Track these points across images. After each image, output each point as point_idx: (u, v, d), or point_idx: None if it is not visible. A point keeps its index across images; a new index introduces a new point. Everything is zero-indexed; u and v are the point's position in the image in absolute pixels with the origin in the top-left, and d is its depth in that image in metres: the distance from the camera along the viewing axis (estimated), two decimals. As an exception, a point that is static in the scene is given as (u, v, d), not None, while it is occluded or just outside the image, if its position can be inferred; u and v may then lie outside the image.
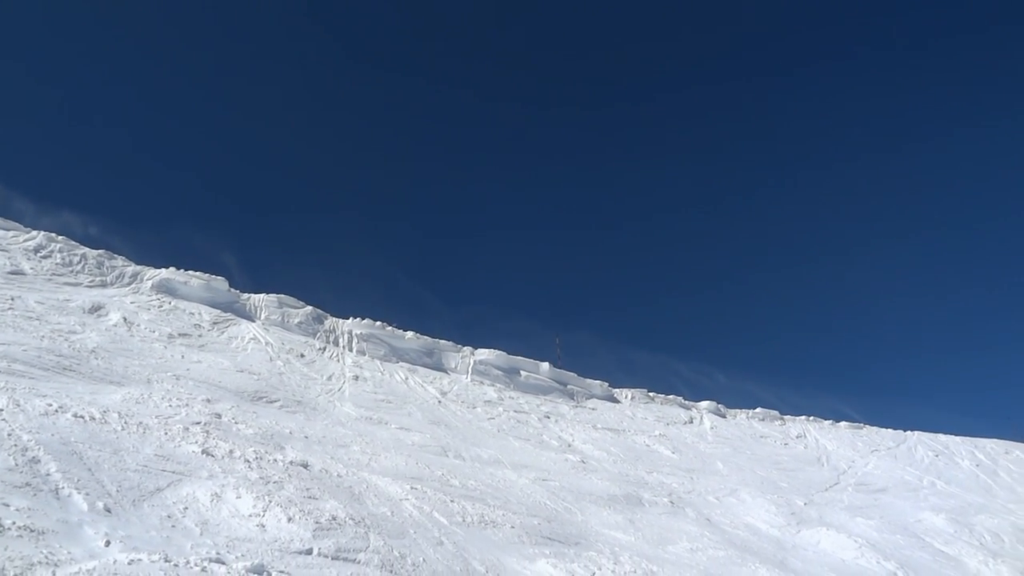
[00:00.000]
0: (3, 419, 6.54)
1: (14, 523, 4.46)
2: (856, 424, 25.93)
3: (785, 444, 22.42)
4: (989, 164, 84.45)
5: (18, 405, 7.16)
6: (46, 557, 4.18)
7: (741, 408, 25.00)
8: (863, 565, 12.48)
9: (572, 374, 22.61)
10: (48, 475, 5.55)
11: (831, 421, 25.83)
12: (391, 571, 6.25)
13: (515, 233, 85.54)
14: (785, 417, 25.36)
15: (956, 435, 26.66)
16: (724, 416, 24.12)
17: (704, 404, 24.30)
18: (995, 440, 27.14)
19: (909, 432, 26.25)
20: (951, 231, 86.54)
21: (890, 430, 26.23)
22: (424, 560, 6.94)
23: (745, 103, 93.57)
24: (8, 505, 4.69)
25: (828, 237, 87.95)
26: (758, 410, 25.03)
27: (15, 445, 5.93)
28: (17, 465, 5.50)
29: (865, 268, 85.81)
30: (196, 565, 4.81)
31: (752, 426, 23.81)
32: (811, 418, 25.77)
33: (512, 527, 9.34)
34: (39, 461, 5.76)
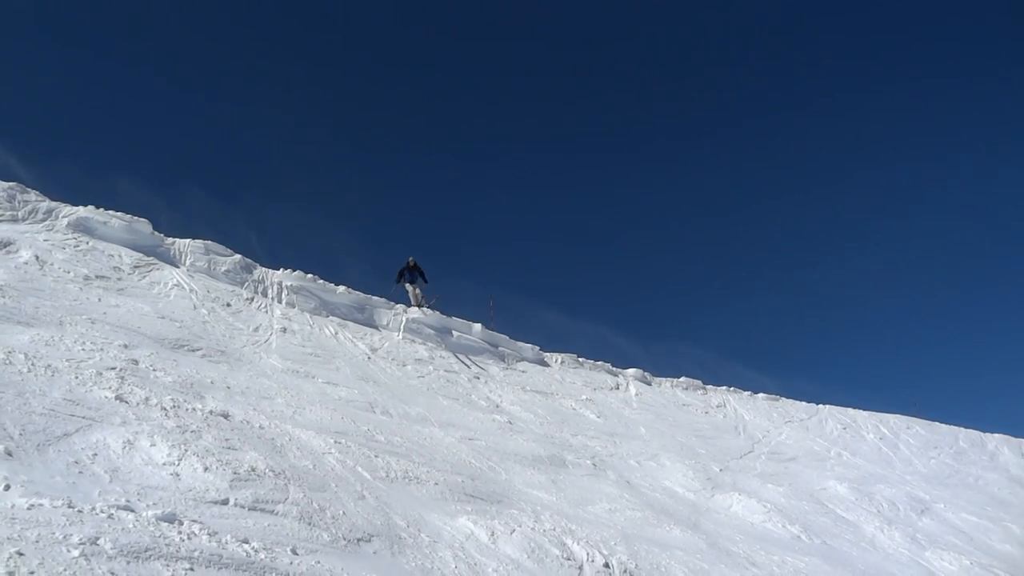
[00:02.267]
0: None
1: (-99, 463, 4.20)
2: (773, 396, 27.08)
3: (706, 413, 23.25)
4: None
5: (-89, 341, 6.71)
6: (-64, 500, 3.97)
7: (666, 376, 25.72)
8: (769, 528, 13.17)
9: (504, 336, 22.73)
10: (-58, 415, 5.25)
11: (750, 392, 26.89)
12: (309, 523, 6.21)
13: (456, 194, 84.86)
14: (707, 387, 26.26)
15: (864, 410, 28.24)
16: (649, 384, 24.78)
17: (631, 371, 24.88)
18: (898, 416, 28.90)
19: (821, 406, 27.62)
20: (871, 218, 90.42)
21: (804, 403, 27.54)
22: (344, 513, 6.92)
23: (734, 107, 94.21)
24: None
25: (761, 223, 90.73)
26: (682, 379, 25.81)
27: (-94, 383, 5.57)
28: (-93, 403, 5.18)
29: (789, 247, 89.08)
30: (102, 512, 4.65)
31: (676, 394, 24.56)
32: (732, 389, 26.77)
33: (436, 484, 9.41)
34: (-67, 400, 5.44)
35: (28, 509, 4.27)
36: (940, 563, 14.27)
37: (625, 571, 8.53)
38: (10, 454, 5.09)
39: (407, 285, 19.67)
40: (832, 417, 26.39)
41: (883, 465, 21.91)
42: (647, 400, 22.63)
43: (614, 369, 24.77)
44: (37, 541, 3.91)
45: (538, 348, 23.54)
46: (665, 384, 25.42)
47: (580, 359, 24.37)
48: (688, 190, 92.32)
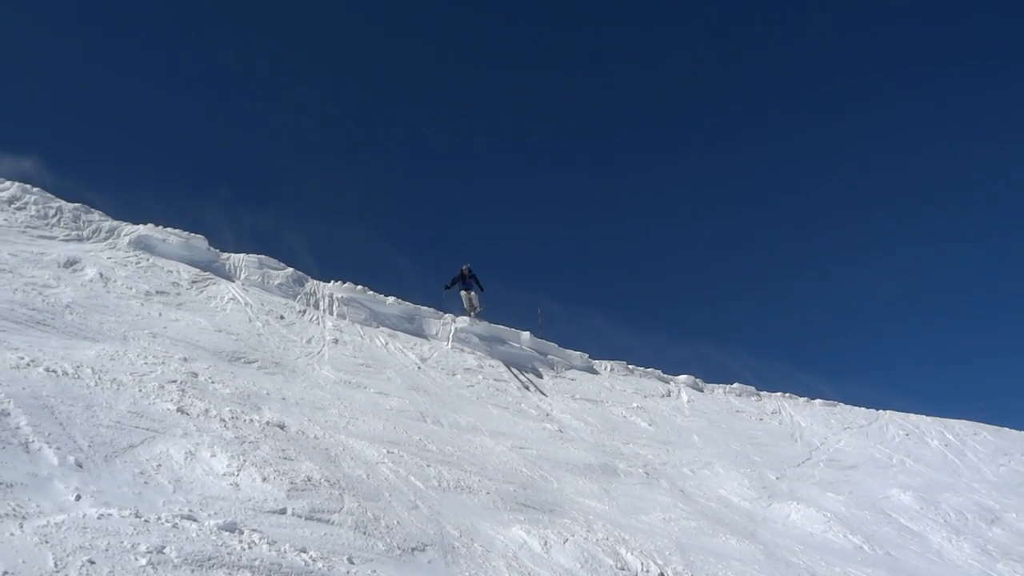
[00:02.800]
0: (-28, 371, 6.45)
1: (-19, 475, 4.42)
2: (830, 402, 26.36)
3: (760, 419, 22.77)
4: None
5: (-12, 357, 7.06)
6: (14, 509, 4.14)
7: (719, 383, 25.28)
8: (830, 538, 12.79)
9: (553, 344, 22.69)
10: (18, 428, 5.49)
11: (806, 398, 26.23)
12: (364, 532, 6.29)
13: (502, 207, 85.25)
14: (761, 393, 25.72)
15: (927, 415, 27.24)
16: (701, 390, 24.39)
17: (682, 378, 24.54)
18: (964, 421, 27.76)
19: (881, 411, 26.75)
20: (930, 219, 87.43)
21: (863, 409, 26.71)
22: (398, 523, 6.99)
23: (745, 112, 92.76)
24: (-25, 457, 4.64)
25: (814, 222, 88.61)
26: (735, 385, 25.34)
27: (-16, 398, 5.85)
28: (-14, 417, 5.44)
29: (845, 256, 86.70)
30: (167, 521, 4.79)
31: (728, 401, 24.12)
32: (787, 395, 26.15)
33: (487, 493, 9.43)
34: (8, 414, 5.68)
35: (98, 519, 4.43)
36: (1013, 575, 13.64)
37: (681, 582, 8.40)
38: (80, 465, 5.29)
39: (461, 292, 19.16)
40: (893, 423, 25.52)
41: (949, 473, 21.08)
42: (699, 407, 22.27)
43: (665, 376, 24.46)
44: (107, 550, 4.06)
45: (587, 356, 23.42)
46: (717, 391, 24.98)
47: (630, 366, 24.15)
48: (739, 188, 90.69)
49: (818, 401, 26.20)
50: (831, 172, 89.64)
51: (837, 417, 24.97)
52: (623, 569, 8.26)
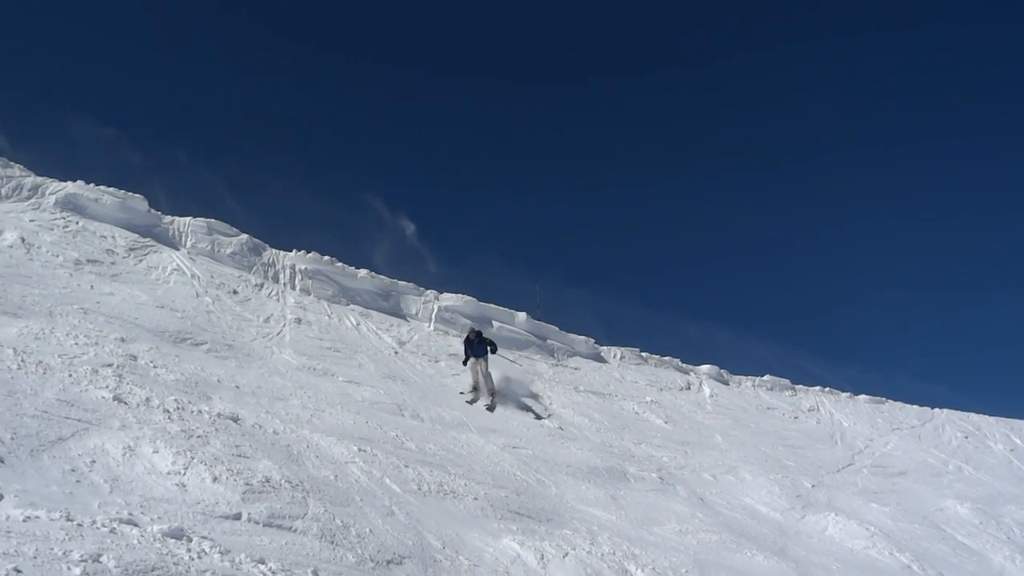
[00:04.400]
0: None
1: None
2: (877, 399, 26.63)
3: (795, 418, 23.01)
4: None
5: None
6: (-74, 510, 4.23)
7: (747, 375, 25.51)
8: (874, 556, 13.02)
9: (553, 327, 22.84)
10: (-72, 417, 5.57)
11: (848, 394, 26.50)
12: (332, 542, 6.41)
13: (492, 165, 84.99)
14: (797, 387, 25.97)
15: (990, 415, 27.53)
16: (727, 383, 24.61)
17: (704, 368, 24.75)
18: (1034, 422, 28.08)
19: (937, 410, 27.04)
20: (982, 204, 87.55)
21: (915, 407, 27.00)
22: (371, 531, 7.12)
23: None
24: None
25: (856, 188, 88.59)
26: (766, 378, 25.58)
27: None
28: None
29: (895, 226, 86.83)
30: (104, 526, 4.89)
31: (758, 396, 24.36)
32: (826, 389, 26.41)
33: (475, 498, 9.58)
34: (-83, 400, 5.77)
35: (24, 521, 4.52)
36: (1084, 600, 13.92)
37: (698, 603, 8.57)
38: (2, 460, 5.38)
39: (470, 361, 16.18)
40: (951, 423, 25.82)
41: (1015, 482, 21.37)
42: (724, 402, 22.50)
43: (684, 366, 24.66)
44: (35, 557, 4.16)
45: (593, 341, 23.59)
46: (745, 383, 25.20)
47: (643, 354, 24.33)
48: (765, 165, 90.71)
49: (863, 397, 26.48)
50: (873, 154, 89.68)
51: (885, 416, 25.25)
52: (632, 588, 8.43)
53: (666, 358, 24.59)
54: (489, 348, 16.09)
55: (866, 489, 17.35)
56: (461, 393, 15.52)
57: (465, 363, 16.28)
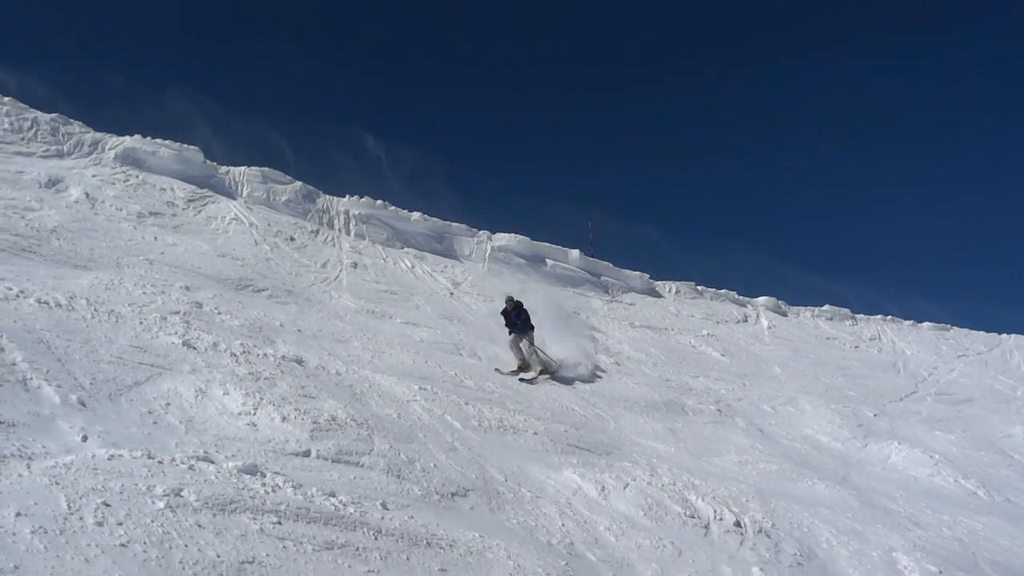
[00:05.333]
0: (-42, 304, 6.83)
1: (-20, 414, 4.76)
2: (942, 326, 26.07)
3: (855, 347, 22.68)
4: None
5: (-27, 289, 7.44)
6: (19, 450, 4.47)
7: (805, 306, 25.15)
8: (938, 483, 12.89)
9: (607, 263, 22.78)
10: (14, 365, 5.84)
11: (912, 322, 25.99)
12: (398, 476, 6.60)
13: (540, 100, 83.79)
14: (857, 316, 25.54)
15: (1061, 340, 26.77)
16: (785, 314, 24.31)
17: (761, 300, 24.48)
18: (1107, 346, 27.21)
19: (1005, 335, 26.36)
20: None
21: (982, 333, 26.37)
22: (435, 466, 7.30)
23: None
24: (-28, 396, 4.99)
25: (914, 118, 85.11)
26: (825, 308, 25.20)
27: (-27, 332, 6.22)
28: (-22, 354, 5.80)
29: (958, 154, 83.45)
30: (182, 463, 5.12)
31: (817, 326, 24.03)
32: (889, 318, 25.93)
33: (535, 434, 9.73)
34: (2, 350, 6.05)
35: (109, 460, 4.76)
36: None
37: (760, 531, 8.63)
38: (83, 404, 5.64)
39: (511, 338, 13.89)
40: (1019, 349, 25.15)
41: (1085, 407, 20.83)
42: (782, 334, 22.26)
43: (741, 298, 24.41)
44: (121, 492, 4.39)
45: (648, 276, 23.47)
46: (804, 314, 24.87)
47: (699, 288, 24.13)
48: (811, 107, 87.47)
49: (926, 324, 25.93)
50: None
51: (950, 343, 24.71)
52: (693, 517, 8.51)
53: (722, 291, 24.36)
54: (525, 325, 13.82)
55: (930, 417, 17.10)
56: (498, 371, 12.88)
57: (511, 332, 13.87)
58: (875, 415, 16.28)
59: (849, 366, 20.44)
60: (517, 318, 13.84)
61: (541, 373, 13.13)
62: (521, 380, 12.59)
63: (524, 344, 13.55)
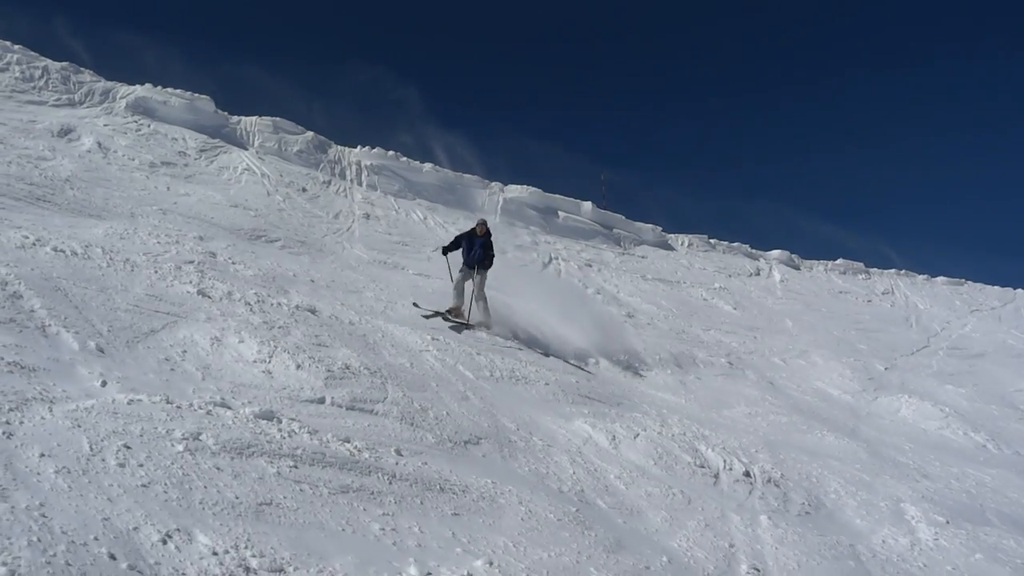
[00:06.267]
0: (-24, 251, 6.90)
1: (2, 359, 4.83)
2: (956, 280, 25.94)
3: (868, 301, 22.64)
4: None
5: (-10, 237, 7.51)
6: (40, 394, 4.55)
7: (819, 259, 25.05)
8: (947, 436, 12.97)
9: (619, 216, 22.70)
10: (32, 311, 5.92)
11: (925, 276, 25.88)
12: (411, 424, 6.68)
13: (551, 47, 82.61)
14: (871, 270, 25.43)
15: (1076, 295, 26.61)
16: (798, 268, 24.24)
17: (774, 254, 24.40)
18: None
19: (1020, 290, 26.24)
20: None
21: (996, 288, 26.24)
22: (448, 414, 7.38)
23: None
24: (-7, 341, 5.07)
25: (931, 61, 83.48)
26: (839, 261, 25.10)
27: (-7, 279, 6.29)
28: (-3, 300, 5.87)
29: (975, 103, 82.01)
30: (200, 408, 5.20)
31: (830, 280, 23.96)
32: (902, 272, 25.81)
33: (546, 384, 9.81)
34: (21, 297, 6.12)
35: (128, 404, 4.84)
36: None
37: (769, 480, 8.73)
38: (102, 350, 5.72)
39: (460, 273, 11.79)
40: (1033, 304, 25.06)
41: (1098, 363, 20.79)
42: (795, 287, 22.22)
43: (753, 252, 24.33)
44: (141, 435, 4.47)
45: (660, 229, 23.38)
46: (817, 268, 24.78)
47: (711, 240, 24.05)
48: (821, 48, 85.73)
49: (941, 279, 25.80)
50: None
51: (963, 297, 24.61)
52: (702, 467, 8.61)
53: (735, 244, 24.28)
54: (487, 257, 11.71)
55: (941, 371, 17.13)
56: (415, 305, 11.37)
57: (448, 251, 11.87)
58: (886, 369, 16.32)
59: (861, 320, 20.44)
60: (480, 248, 11.51)
61: (479, 324, 11.24)
62: (446, 320, 10.92)
63: (475, 282, 11.42)
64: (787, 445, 10.32)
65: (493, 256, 11.75)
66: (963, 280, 26.09)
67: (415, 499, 5.20)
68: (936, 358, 18.23)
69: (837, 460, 10.23)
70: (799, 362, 15.48)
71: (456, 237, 12.02)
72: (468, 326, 10.92)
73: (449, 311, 11.35)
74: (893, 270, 25.73)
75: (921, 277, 25.75)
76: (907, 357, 17.85)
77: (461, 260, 11.75)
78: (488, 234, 11.77)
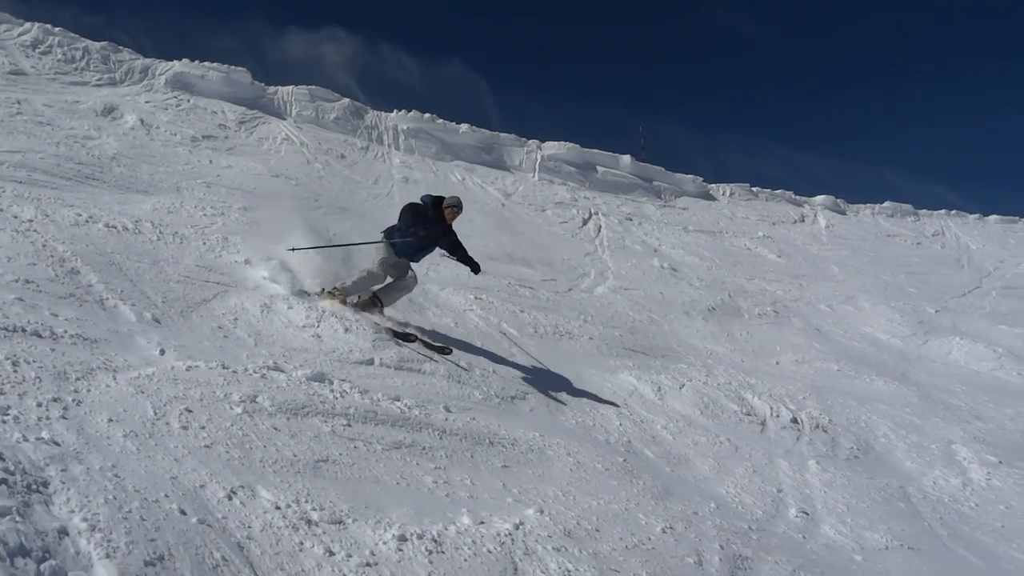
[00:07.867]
0: (35, 230, 7.13)
1: (66, 332, 5.04)
2: (1010, 218, 25.27)
3: (918, 244, 22.20)
4: None
5: (47, 215, 7.75)
6: (104, 363, 4.76)
7: (866, 203, 24.59)
8: (1001, 377, 12.78)
9: (659, 168, 22.49)
10: (90, 286, 6.14)
11: (977, 215, 25.23)
12: (459, 381, 6.83)
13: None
14: (920, 212, 24.89)
15: None
16: (844, 213, 23.83)
17: (819, 199, 24.01)
18: None
19: (1078, 226, 25.49)
20: None
21: (1053, 224, 25.53)
22: (494, 371, 7.52)
23: None
24: (57, 315, 5.28)
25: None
26: (886, 204, 24.61)
27: (51, 256, 6.51)
28: (58, 276, 6.09)
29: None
30: (255, 372, 5.39)
31: (878, 224, 23.53)
32: (953, 212, 25.22)
33: (590, 338, 9.91)
34: (79, 272, 6.35)
35: (187, 371, 5.04)
36: None
37: (817, 426, 8.75)
38: (158, 321, 5.93)
39: (395, 256, 8.17)
40: (1092, 240, 24.32)
41: None
42: (840, 232, 21.87)
43: (797, 198, 23.95)
44: (201, 399, 4.66)
45: (701, 180, 23.13)
46: (864, 212, 24.32)
47: (754, 189, 23.73)
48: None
49: (993, 217, 25.15)
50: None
51: (1018, 236, 23.98)
52: (749, 415, 8.66)
53: (778, 191, 23.92)
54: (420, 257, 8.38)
55: (994, 311, 16.79)
56: (305, 292, 7.80)
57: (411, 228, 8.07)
58: (936, 311, 16.05)
59: (910, 263, 20.07)
60: (441, 235, 8.34)
61: (408, 340, 7.42)
62: (353, 305, 7.70)
63: (406, 278, 8.26)
64: (835, 391, 10.30)
65: (476, 263, 8.50)
66: (1017, 218, 25.40)
67: (465, 453, 5.35)
68: (989, 298, 17.85)
69: (886, 404, 10.18)
70: (846, 308, 15.31)
71: (413, 213, 8.12)
72: (447, 351, 7.47)
73: (356, 304, 7.81)
74: (943, 211, 25.16)
75: (972, 216, 25.10)
76: (958, 299, 17.52)
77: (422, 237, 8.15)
78: (456, 211, 8.44)
